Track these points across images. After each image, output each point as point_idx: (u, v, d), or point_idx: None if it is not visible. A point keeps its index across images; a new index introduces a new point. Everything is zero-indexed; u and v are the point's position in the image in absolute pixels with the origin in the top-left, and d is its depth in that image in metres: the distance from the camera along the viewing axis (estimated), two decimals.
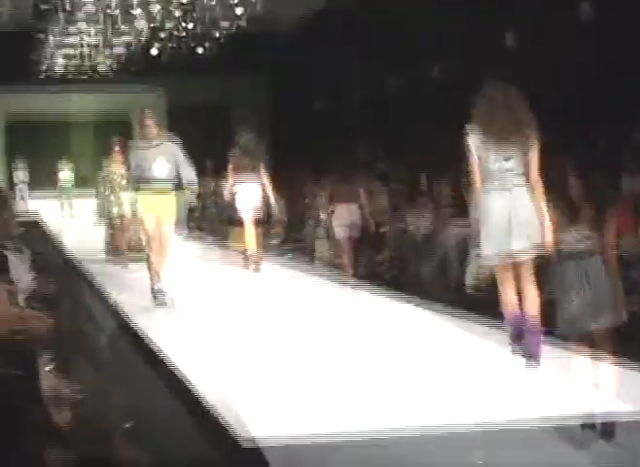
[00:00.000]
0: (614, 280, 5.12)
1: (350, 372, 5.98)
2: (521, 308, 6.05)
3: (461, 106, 6.24)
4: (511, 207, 5.83)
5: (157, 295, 8.92)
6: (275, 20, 20.76)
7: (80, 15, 17.81)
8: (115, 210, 12.20)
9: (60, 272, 11.63)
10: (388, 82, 16.87)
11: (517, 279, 5.99)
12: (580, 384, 4.90)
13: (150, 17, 18.04)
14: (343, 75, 18.57)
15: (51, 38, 19.59)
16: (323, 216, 11.77)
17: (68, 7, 17.33)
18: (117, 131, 17.50)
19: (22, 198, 25.08)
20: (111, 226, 12.50)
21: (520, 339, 6.11)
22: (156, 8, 17.50)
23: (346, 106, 18.64)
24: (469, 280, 8.94)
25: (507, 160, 5.85)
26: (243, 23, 18.79)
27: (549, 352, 6.29)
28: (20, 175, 25.26)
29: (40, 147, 27.04)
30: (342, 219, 10.99)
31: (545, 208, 5.77)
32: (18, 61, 20.92)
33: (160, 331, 7.68)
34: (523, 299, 5.95)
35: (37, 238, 16.40)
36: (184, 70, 21.49)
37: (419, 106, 14.88)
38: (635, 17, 10.46)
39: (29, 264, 10.38)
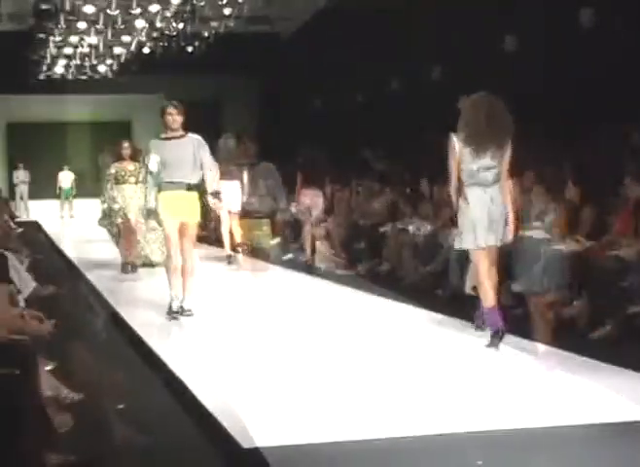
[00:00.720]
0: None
1: (349, 373, 5.98)
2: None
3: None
4: (487, 204, 6.50)
5: (172, 307, 8.02)
6: (267, 21, 20.83)
7: (80, 15, 17.76)
8: (121, 212, 11.24)
9: (60, 273, 11.64)
10: (383, 83, 16.88)
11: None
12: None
13: (148, 18, 18.01)
14: (337, 75, 18.58)
15: (51, 39, 19.57)
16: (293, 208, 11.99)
17: (68, 7, 17.30)
18: (115, 131, 17.54)
19: (22, 198, 25.14)
20: (117, 228, 11.42)
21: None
22: (155, 8, 17.47)
23: (342, 107, 18.64)
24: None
25: (485, 161, 6.48)
26: (231, 23, 18.80)
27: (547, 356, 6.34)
28: (21, 175, 25.30)
29: (40, 147, 27.09)
30: (305, 203, 11.42)
31: (510, 206, 6.61)
32: (19, 62, 20.92)
33: (159, 332, 7.68)
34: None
35: (37, 238, 16.45)
36: (179, 70, 21.53)
37: (418, 107, 14.88)
38: (635, 18, 10.48)
39: (29, 264, 10.42)
